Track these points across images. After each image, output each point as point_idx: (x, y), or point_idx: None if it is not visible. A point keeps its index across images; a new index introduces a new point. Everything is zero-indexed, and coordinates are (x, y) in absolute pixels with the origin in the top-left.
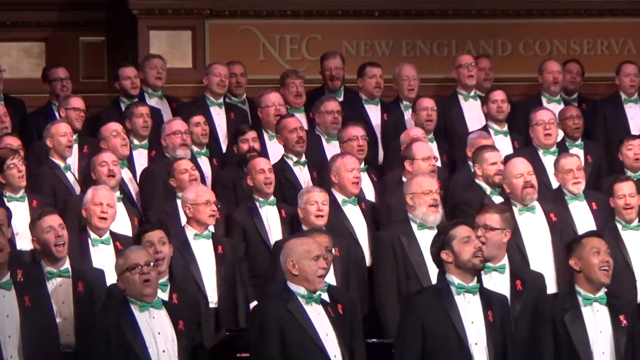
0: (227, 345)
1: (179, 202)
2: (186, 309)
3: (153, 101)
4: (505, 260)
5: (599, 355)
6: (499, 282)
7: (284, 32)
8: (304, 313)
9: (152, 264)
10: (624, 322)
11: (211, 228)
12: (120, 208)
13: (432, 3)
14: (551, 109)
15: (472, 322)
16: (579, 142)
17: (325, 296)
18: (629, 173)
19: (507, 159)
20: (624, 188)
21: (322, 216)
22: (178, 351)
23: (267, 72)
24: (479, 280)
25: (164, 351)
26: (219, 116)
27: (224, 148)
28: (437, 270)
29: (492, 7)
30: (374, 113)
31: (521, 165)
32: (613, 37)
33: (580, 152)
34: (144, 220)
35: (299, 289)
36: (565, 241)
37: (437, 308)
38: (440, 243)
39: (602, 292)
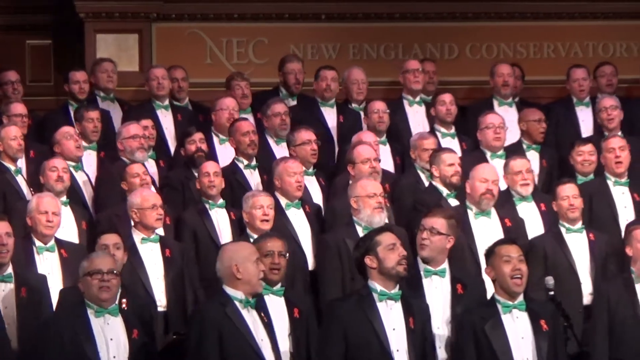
0: (174, 349)
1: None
2: (139, 316)
3: (105, 104)
4: (445, 265)
5: None
6: (439, 285)
7: (231, 35)
8: (242, 318)
9: (114, 271)
10: (545, 327)
11: (160, 231)
12: (67, 212)
13: (379, 6)
14: (502, 112)
15: (394, 329)
16: (536, 145)
17: (281, 300)
18: (580, 177)
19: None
20: (567, 190)
21: (267, 220)
22: (129, 359)
23: (214, 75)
24: (401, 287)
25: (114, 357)
26: (166, 118)
27: (172, 150)
28: None
29: (439, 10)
30: (330, 115)
31: (489, 173)
32: (559, 40)
33: (536, 155)
34: (95, 223)
35: (236, 294)
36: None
37: (359, 315)
38: (365, 248)
39: (520, 299)
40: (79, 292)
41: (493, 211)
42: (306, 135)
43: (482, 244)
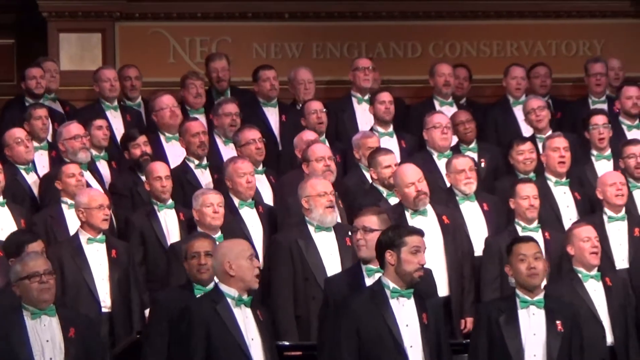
0: (135, 349)
1: (63, 206)
2: (80, 315)
3: (47, 104)
4: None
5: (531, 358)
6: None
7: (194, 34)
8: (232, 316)
9: (51, 272)
10: (560, 327)
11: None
12: (4, 212)
13: (342, 5)
14: (443, 112)
15: (407, 325)
16: (472, 145)
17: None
18: (520, 176)
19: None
20: (527, 189)
21: (217, 218)
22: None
23: (177, 74)
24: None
25: (50, 359)
26: (116, 119)
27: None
28: (335, 271)
29: (402, 9)
30: (272, 115)
31: (412, 174)
32: (523, 39)
33: (474, 156)
34: (32, 224)
35: (230, 291)
36: (458, 243)
37: (372, 311)
38: (391, 241)
39: (540, 296)
40: (11, 296)
41: (429, 209)
42: (250, 134)
43: None
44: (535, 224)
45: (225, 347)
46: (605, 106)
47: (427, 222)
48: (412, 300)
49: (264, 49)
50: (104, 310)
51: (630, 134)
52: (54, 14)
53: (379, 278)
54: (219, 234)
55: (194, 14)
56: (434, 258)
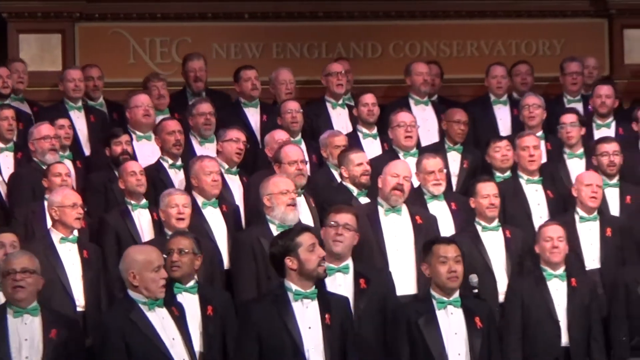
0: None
1: (46, 203)
2: (64, 316)
3: (14, 104)
4: (349, 261)
5: (455, 357)
6: (343, 282)
7: (154, 34)
8: (147, 321)
9: (30, 270)
10: (479, 324)
11: (76, 232)
12: None
13: (303, 5)
14: (418, 111)
15: (309, 327)
16: (458, 145)
17: (195, 297)
18: (497, 174)
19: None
20: (488, 188)
21: (182, 219)
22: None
23: (137, 75)
24: (318, 285)
25: (27, 357)
26: (79, 120)
27: (85, 151)
28: None
29: (362, 9)
30: (253, 116)
31: (401, 168)
32: (483, 38)
33: (458, 156)
34: (12, 218)
35: (139, 297)
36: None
37: (272, 315)
38: (285, 248)
39: (456, 295)
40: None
41: (404, 208)
42: (236, 133)
43: (391, 241)
44: (495, 222)
45: (145, 353)
46: (580, 105)
47: (401, 220)
48: (315, 302)
49: (224, 49)
50: (78, 309)
51: (599, 133)
52: (13, 14)
53: (282, 282)
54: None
55: (153, 15)
56: (405, 257)
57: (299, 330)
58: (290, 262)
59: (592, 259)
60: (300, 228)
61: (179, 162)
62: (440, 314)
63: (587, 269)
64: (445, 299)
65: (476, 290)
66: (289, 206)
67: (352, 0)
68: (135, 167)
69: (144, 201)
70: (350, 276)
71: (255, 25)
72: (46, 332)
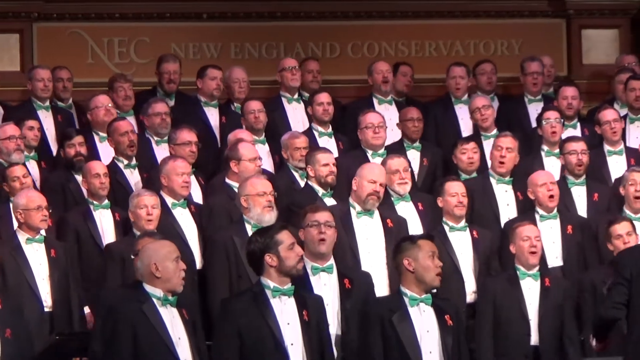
0: (58, 350)
1: (11, 205)
2: (10, 315)
3: None
4: (332, 261)
5: (427, 355)
6: (328, 282)
7: (113, 35)
8: (158, 315)
9: None
10: (450, 322)
11: (43, 232)
12: None
13: (261, 5)
14: (382, 110)
15: (288, 323)
16: (416, 144)
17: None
18: (463, 176)
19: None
20: (456, 187)
21: (151, 220)
22: None
23: (96, 75)
24: (294, 282)
25: None
26: (47, 119)
27: (53, 151)
28: None
29: (320, 10)
30: (213, 115)
31: (378, 174)
32: (441, 38)
33: (417, 154)
34: None
35: (155, 291)
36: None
37: (252, 311)
38: (265, 246)
39: (427, 293)
40: None
41: (376, 211)
42: (187, 136)
43: (363, 243)
44: (462, 222)
45: (152, 346)
46: (541, 104)
47: (372, 223)
48: (292, 299)
49: (182, 49)
50: (45, 309)
51: (565, 133)
52: None
53: (259, 279)
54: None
55: (112, 15)
56: (375, 259)
57: (278, 326)
58: (270, 259)
59: (554, 257)
60: (280, 226)
61: (134, 162)
62: (412, 312)
63: (549, 267)
64: (417, 296)
65: (434, 290)
66: (265, 208)
67: (311, 0)
68: (100, 169)
69: (106, 202)
70: (334, 276)
71: (214, 26)
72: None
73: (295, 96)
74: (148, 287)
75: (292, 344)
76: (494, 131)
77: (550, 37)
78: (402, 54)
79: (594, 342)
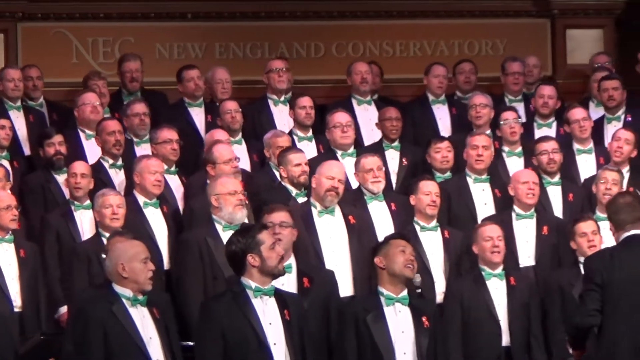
0: (40, 350)
1: None
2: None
3: None
4: (291, 260)
5: (401, 356)
6: (286, 281)
7: (97, 34)
8: (128, 316)
9: None
10: (427, 323)
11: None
12: None
13: (245, 5)
14: (361, 110)
15: (270, 323)
16: (395, 143)
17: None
18: (437, 175)
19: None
20: (430, 186)
21: (117, 219)
22: None
23: (80, 74)
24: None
25: None
26: (19, 119)
27: (25, 151)
28: None
29: (304, 9)
30: (198, 115)
31: (336, 170)
32: (426, 38)
33: (396, 154)
34: None
35: (124, 291)
36: (364, 244)
37: (235, 311)
38: (247, 246)
39: (404, 293)
40: None
41: (337, 209)
42: (168, 134)
43: (326, 242)
44: (433, 223)
45: (122, 347)
46: (522, 105)
47: (334, 221)
48: (273, 299)
49: (166, 49)
50: (15, 310)
51: (540, 132)
52: None
53: (239, 280)
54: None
55: (96, 15)
56: (339, 258)
57: (262, 326)
58: (252, 259)
59: (527, 257)
60: (260, 226)
61: (120, 162)
62: (388, 312)
63: (521, 266)
64: (393, 295)
65: (419, 290)
66: (236, 206)
67: (295, 0)
68: (78, 169)
69: (87, 202)
70: (293, 275)
71: (198, 25)
72: None
73: (282, 98)
74: (117, 287)
75: (274, 344)
76: (488, 131)
77: (534, 37)
78: (386, 54)
79: (570, 351)
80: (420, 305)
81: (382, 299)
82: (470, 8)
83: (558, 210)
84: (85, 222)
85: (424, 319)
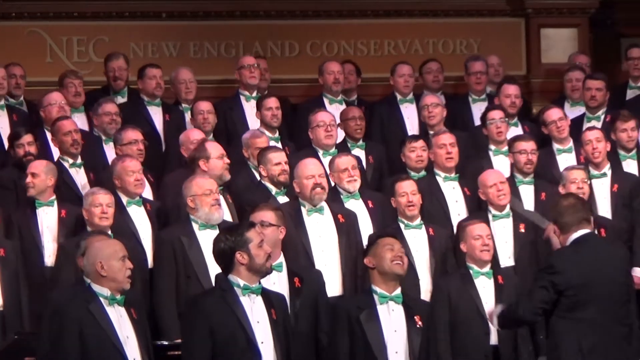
0: (16, 350)
1: None
2: None
3: None
4: (282, 259)
5: (393, 355)
6: (277, 280)
7: (71, 33)
8: (106, 315)
9: None
10: (420, 323)
11: None
12: None
13: (220, 4)
14: (333, 110)
15: (258, 322)
16: (360, 142)
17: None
18: (412, 174)
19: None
20: (405, 186)
21: (106, 218)
22: None
23: (55, 73)
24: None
25: None
26: (2, 118)
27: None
28: (217, 270)
29: (279, 9)
30: (156, 114)
31: (313, 168)
32: (400, 37)
33: (361, 153)
34: None
35: (102, 290)
36: (352, 242)
37: (224, 309)
38: (235, 244)
39: (397, 291)
40: None
41: (326, 207)
42: (133, 134)
43: (315, 240)
44: (418, 221)
45: (99, 346)
46: (485, 104)
47: (323, 220)
48: (260, 298)
49: (141, 49)
50: None
51: (508, 132)
52: None
53: (227, 278)
54: (109, 233)
55: (70, 14)
56: (329, 257)
57: (250, 324)
58: (241, 257)
59: (507, 257)
60: (248, 224)
61: (79, 161)
62: (381, 310)
63: (502, 266)
64: (387, 293)
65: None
66: (213, 206)
67: (269, 0)
68: (34, 168)
69: (52, 198)
70: (284, 274)
71: (173, 25)
72: None
73: (254, 94)
74: (95, 286)
75: (262, 342)
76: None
77: (509, 36)
78: (361, 53)
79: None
80: (414, 305)
81: (376, 297)
82: (445, 7)
83: (530, 209)
84: (48, 220)
85: (417, 318)
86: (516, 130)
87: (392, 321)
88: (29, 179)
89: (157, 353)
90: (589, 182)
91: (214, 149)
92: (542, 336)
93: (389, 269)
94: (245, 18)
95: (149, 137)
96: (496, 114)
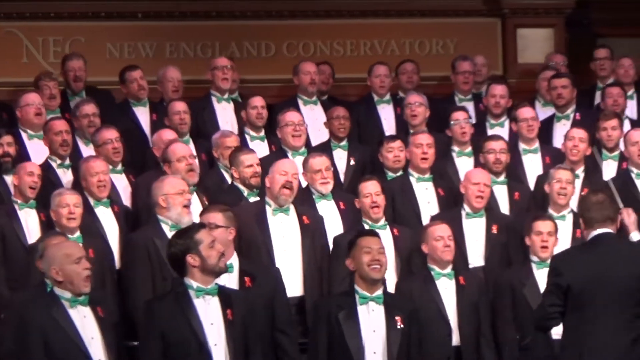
0: None
1: None
2: None
3: None
4: (233, 259)
5: (371, 355)
6: (228, 281)
7: (47, 34)
8: (68, 317)
9: None
10: (400, 324)
11: None
12: None
13: (196, 5)
14: (307, 110)
15: (212, 324)
16: (343, 143)
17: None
18: (389, 174)
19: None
20: (369, 187)
21: (74, 219)
22: None
23: (31, 74)
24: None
25: None
26: None
27: None
28: None
29: (255, 9)
30: (143, 115)
31: (289, 166)
32: (376, 38)
33: (344, 153)
34: None
35: (63, 293)
36: (316, 244)
37: (176, 312)
38: (186, 247)
39: (379, 292)
40: None
41: (292, 208)
42: (107, 134)
43: (279, 241)
44: (382, 221)
45: (63, 349)
46: (472, 104)
47: (288, 220)
48: (217, 298)
49: (117, 49)
50: None
51: (492, 132)
52: None
53: (182, 280)
54: (77, 234)
55: (47, 14)
56: (291, 257)
57: (202, 327)
58: (192, 259)
59: (477, 256)
60: (198, 225)
61: (67, 162)
62: (361, 310)
63: (470, 266)
64: (367, 294)
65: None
66: (184, 207)
67: (246, 0)
68: (35, 169)
69: (32, 201)
70: (235, 275)
71: (149, 25)
72: None
73: (225, 96)
74: (56, 289)
75: (215, 345)
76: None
77: (485, 36)
78: (337, 54)
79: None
80: (396, 305)
81: (357, 297)
82: (421, 7)
83: (505, 210)
84: (30, 222)
85: (397, 318)
86: (501, 131)
87: (372, 321)
88: (35, 178)
89: (132, 354)
90: (573, 183)
91: (174, 152)
92: (523, 337)
93: (365, 274)
94: (221, 18)
95: (136, 137)
96: (460, 115)
